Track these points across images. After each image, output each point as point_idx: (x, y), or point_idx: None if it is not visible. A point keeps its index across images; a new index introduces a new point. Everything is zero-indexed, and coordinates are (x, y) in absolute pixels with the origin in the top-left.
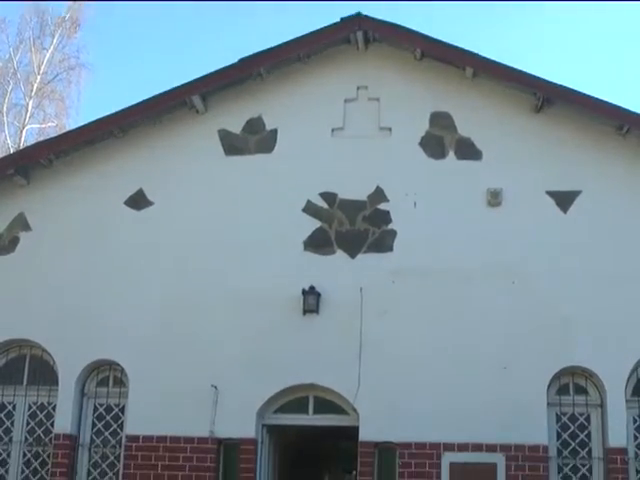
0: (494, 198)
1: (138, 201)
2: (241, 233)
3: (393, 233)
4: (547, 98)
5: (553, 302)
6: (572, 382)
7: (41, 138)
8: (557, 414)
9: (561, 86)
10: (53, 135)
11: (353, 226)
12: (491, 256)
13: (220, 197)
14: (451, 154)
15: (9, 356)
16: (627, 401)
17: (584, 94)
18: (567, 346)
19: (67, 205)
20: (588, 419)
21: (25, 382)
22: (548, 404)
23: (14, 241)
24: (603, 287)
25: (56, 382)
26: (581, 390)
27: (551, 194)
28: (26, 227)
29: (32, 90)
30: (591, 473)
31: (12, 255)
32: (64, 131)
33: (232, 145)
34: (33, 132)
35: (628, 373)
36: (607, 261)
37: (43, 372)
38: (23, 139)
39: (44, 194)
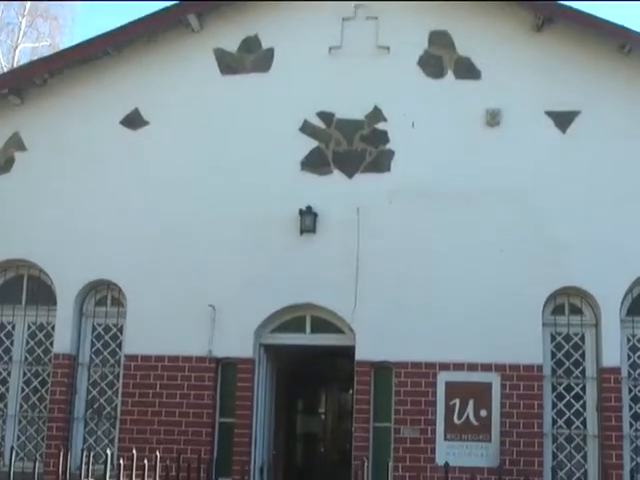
0: (493, 118)
1: (134, 121)
2: (237, 153)
3: (391, 153)
4: (548, 17)
5: (550, 223)
6: (567, 302)
7: (35, 57)
8: (552, 334)
9: (563, 4)
10: (47, 54)
11: (350, 146)
12: (489, 177)
13: (216, 117)
14: (450, 74)
15: (7, 276)
16: (622, 321)
17: (586, 13)
18: (563, 266)
19: (62, 125)
20: (583, 339)
21: (24, 302)
22: (543, 324)
23: (9, 161)
24: (601, 208)
25: (54, 302)
26: (576, 310)
27: (550, 114)
28: (21, 147)
29: (25, 9)
30: (585, 392)
31: (7, 175)
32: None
33: (228, 64)
34: (26, 52)
35: (623, 293)
36: (605, 182)
37: (41, 292)
38: (16, 59)
39: (39, 114)
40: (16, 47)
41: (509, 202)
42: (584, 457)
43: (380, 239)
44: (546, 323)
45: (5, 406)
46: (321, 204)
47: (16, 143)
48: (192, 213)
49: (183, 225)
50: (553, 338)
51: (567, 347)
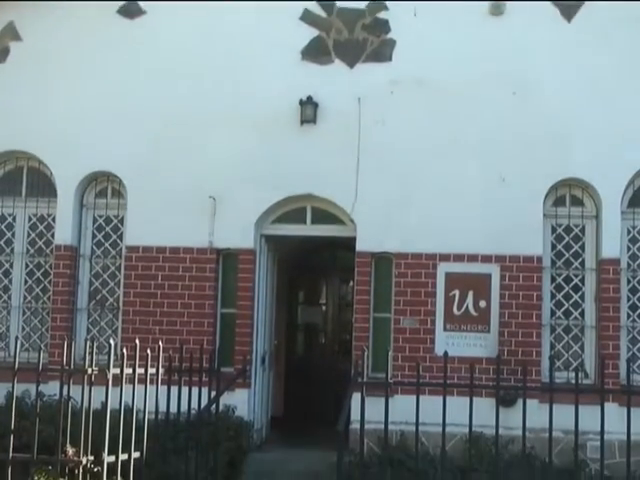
0: (496, 8)
1: (131, 10)
2: (237, 42)
3: (392, 42)
4: None
5: (553, 113)
6: (569, 194)
7: None
8: (552, 225)
9: None
10: None
11: (352, 35)
12: (491, 66)
13: (215, 6)
14: None
15: (6, 168)
16: (622, 212)
17: None
18: (565, 158)
19: (59, 14)
20: (583, 230)
21: (24, 194)
22: (544, 215)
23: (4, 51)
24: (603, 99)
25: (55, 194)
26: (577, 202)
27: (556, 3)
28: (16, 37)
29: None
30: (583, 283)
31: (2, 66)
32: None
33: None
34: None
35: (625, 185)
36: (609, 72)
37: (41, 184)
38: None
39: (35, 2)
40: None
41: (511, 92)
42: (581, 347)
43: (382, 129)
44: (547, 214)
45: (9, 298)
46: (322, 94)
47: (11, 33)
48: (191, 104)
49: (183, 117)
50: (554, 230)
51: (567, 239)
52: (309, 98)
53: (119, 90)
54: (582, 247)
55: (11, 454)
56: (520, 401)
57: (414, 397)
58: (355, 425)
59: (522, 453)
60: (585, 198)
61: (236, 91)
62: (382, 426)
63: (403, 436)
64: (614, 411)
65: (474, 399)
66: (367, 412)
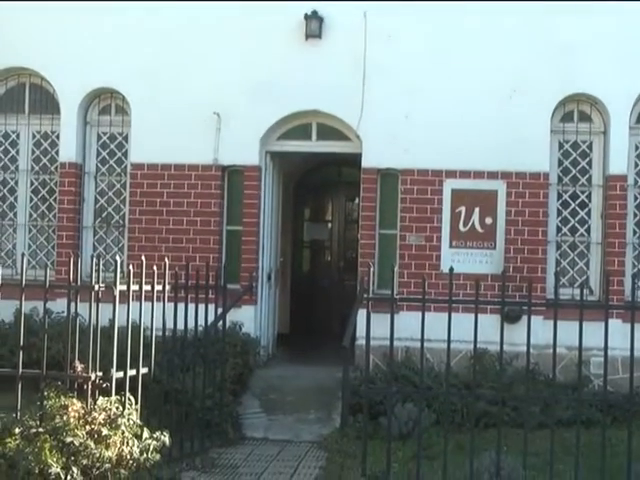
0: None
1: None
2: None
3: None
4: None
5: (560, 27)
6: (577, 109)
7: None
8: (560, 141)
9: None
10: None
11: None
12: None
13: None
14: None
15: (8, 85)
16: (630, 128)
17: None
18: (573, 73)
19: None
20: (590, 146)
21: (27, 111)
22: (551, 131)
23: None
24: (614, 12)
25: (58, 111)
26: (585, 117)
27: None
28: None
29: None
30: (590, 200)
31: None
32: None
33: None
34: None
35: (634, 100)
36: None
37: (44, 101)
38: None
39: None
40: None
41: (517, 5)
42: (587, 264)
43: (388, 44)
44: (554, 130)
45: (14, 215)
46: (327, 7)
47: None
48: (193, 19)
49: (185, 30)
50: (561, 146)
51: (574, 155)
52: (314, 12)
53: (121, 5)
54: (589, 163)
55: (21, 370)
56: (525, 317)
57: (419, 313)
58: (360, 341)
59: (526, 369)
60: (593, 114)
61: (238, 5)
62: (387, 342)
63: (408, 352)
64: (618, 327)
65: (479, 316)
66: (372, 328)
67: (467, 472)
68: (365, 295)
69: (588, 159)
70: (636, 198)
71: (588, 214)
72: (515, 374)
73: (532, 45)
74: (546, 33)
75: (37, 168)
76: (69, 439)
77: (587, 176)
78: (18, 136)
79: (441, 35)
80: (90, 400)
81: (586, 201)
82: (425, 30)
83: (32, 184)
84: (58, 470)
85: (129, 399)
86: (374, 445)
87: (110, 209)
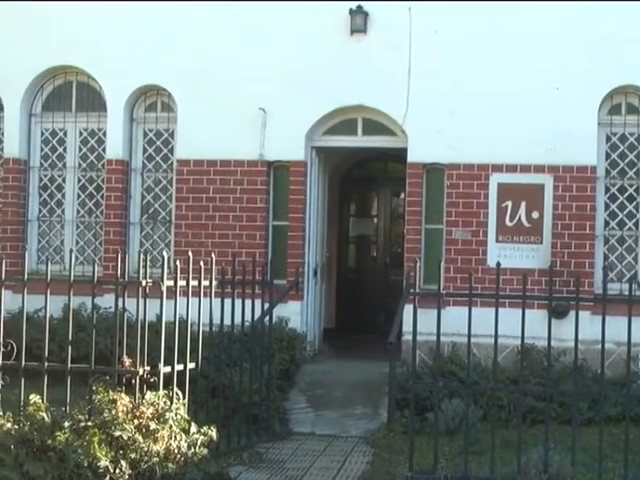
0: None
1: None
2: None
3: None
4: None
5: (607, 20)
6: (624, 102)
7: None
8: (607, 134)
9: None
10: None
11: None
12: None
13: None
14: None
15: (55, 83)
16: None
17: None
18: (620, 65)
19: None
20: (638, 139)
21: (74, 109)
22: (599, 124)
23: None
24: None
25: (104, 108)
26: (633, 110)
27: None
28: None
29: None
30: (638, 193)
31: None
32: None
33: None
34: None
35: None
36: None
37: (91, 99)
38: None
39: None
40: None
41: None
42: (635, 258)
43: (433, 39)
44: (601, 123)
45: (62, 212)
46: (371, 3)
47: None
48: (239, 15)
49: (231, 27)
50: (608, 139)
51: (622, 148)
52: (359, 7)
53: (167, 3)
54: (637, 156)
55: (70, 365)
56: (572, 313)
57: (466, 309)
58: (407, 336)
59: (574, 364)
60: None
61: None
62: (434, 337)
63: (455, 347)
64: None
65: (526, 311)
66: (419, 323)
67: (514, 468)
68: (411, 290)
69: (636, 152)
70: None
71: (636, 208)
72: (563, 370)
73: (579, 38)
74: (593, 26)
75: (84, 165)
76: (117, 433)
77: (635, 169)
78: (65, 134)
79: (486, 29)
80: (138, 395)
81: (634, 194)
82: (470, 25)
83: (79, 181)
84: (107, 463)
85: (177, 394)
86: (421, 440)
87: (156, 205)
